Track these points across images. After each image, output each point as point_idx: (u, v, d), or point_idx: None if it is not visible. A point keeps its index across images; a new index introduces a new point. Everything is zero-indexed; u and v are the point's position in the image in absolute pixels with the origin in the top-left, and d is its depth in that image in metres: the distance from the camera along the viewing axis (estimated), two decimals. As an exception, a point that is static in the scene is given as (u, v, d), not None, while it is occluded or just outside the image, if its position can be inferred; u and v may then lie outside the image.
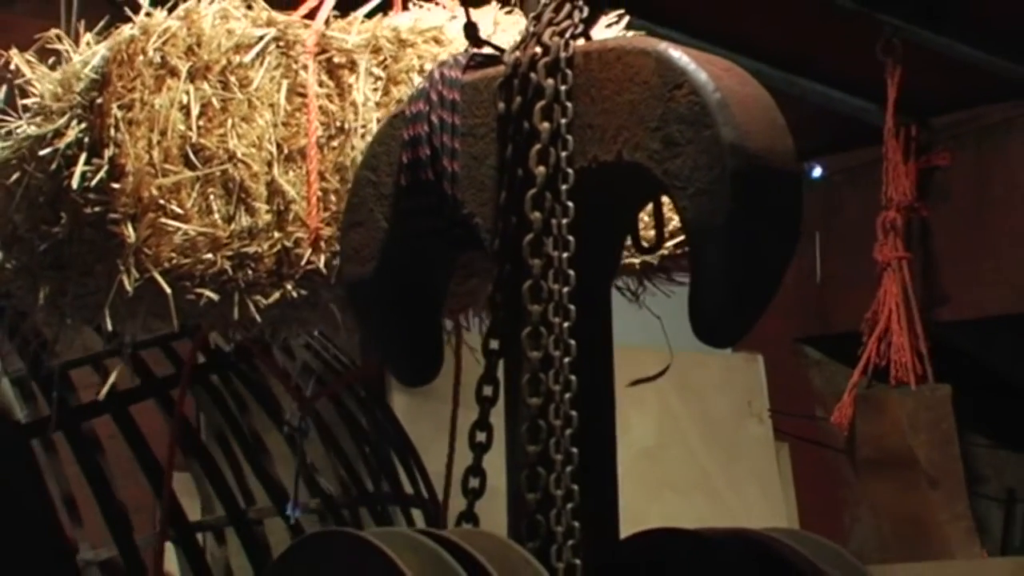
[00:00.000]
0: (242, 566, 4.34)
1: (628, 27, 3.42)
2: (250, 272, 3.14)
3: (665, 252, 3.20)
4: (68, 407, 4.25)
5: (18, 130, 3.28)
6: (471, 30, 2.88)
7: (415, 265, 2.87)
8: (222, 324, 3.30)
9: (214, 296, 3.11)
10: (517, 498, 2.55)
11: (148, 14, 3.17)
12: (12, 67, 3.34)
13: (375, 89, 3.23)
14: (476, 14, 3.30)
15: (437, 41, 3.28)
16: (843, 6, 6.14)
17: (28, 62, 3.31)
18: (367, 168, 2.91)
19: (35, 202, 3.21)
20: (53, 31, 3.34)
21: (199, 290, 3.10)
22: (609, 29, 3.40)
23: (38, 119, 3.23)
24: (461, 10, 3.34)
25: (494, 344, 2.64)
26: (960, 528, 6.62)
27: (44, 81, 3.26)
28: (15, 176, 3.25)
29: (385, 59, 3.25)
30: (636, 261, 3.30)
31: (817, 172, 7.32)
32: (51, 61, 3.32)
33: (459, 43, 3.17)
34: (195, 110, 3.11)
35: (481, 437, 2.60)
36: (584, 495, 2.46)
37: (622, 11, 3.41)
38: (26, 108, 3.29)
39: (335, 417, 4.62)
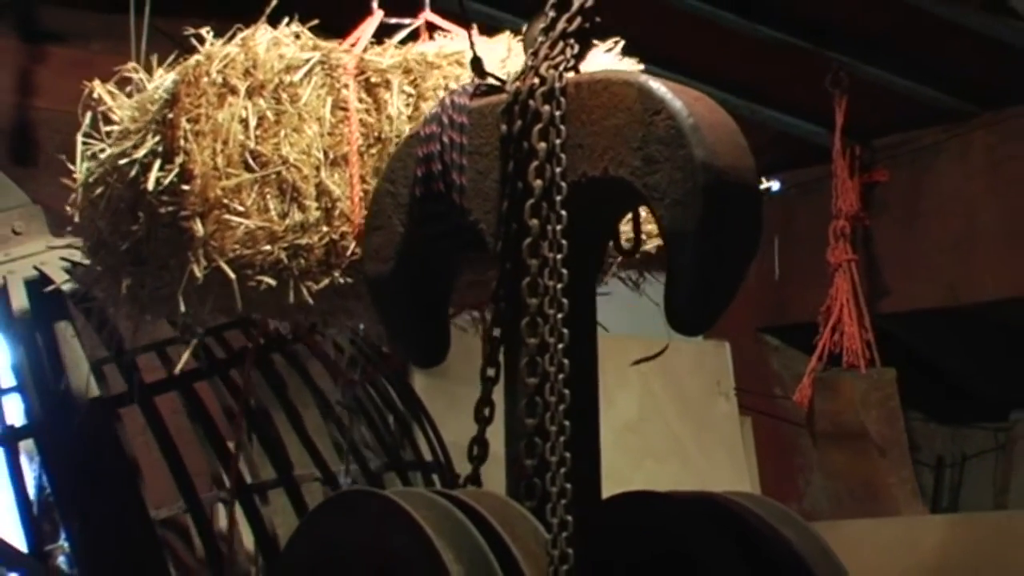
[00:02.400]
0: (283, 523, 4.32)
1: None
2: (303, 261, 3.12)
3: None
4: (142, 385, 4.24)
5: (101, 153, 3.28)
6: (477, 64, 2.87)
7: (427, 264, 2.86)
8: (279, 310, 3.27)
9: (272, 282, 3.09)
10: (515, 464, 2.55)
11: (211, 43, 3.17)
12: (95, 96, 3.33)
13: (407, 104, 3.22)
14: (491, 41, 3.30)
15: (459, 63, 3.26)
16: (797, 44, 6.14)
17: (109, 92, 3.31)
18: (386, 181, 2.90)
19: (117, 208, 3.20)
20: (130, 64, 3.34)
21: (259, 277, 3.09)
22: (608, 53, 3.40)
23: (119, 140, 3.23)
24: (478, 37, 3.33)
25: (496, 332, 2.63)
26: (906, 490, 6.63)
27: (123, 108, 3.26)
28: (99, 190, 3.25)
29: (415, 79, 3.24)
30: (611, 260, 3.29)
31: (776, 186, 7.31)
32: (128, 89, 3.33)
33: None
34: (252, 122, 3.10)
35: (485, 412, 2.59)
36: (573, 462, 2.45)
37: (618, 38, 3.41)
38: (108, 134, 3.28)
39: (365, 395, 4.61)
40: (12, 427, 4.24)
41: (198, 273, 3.03)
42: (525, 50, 2.82)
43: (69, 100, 6.03)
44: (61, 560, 4.53)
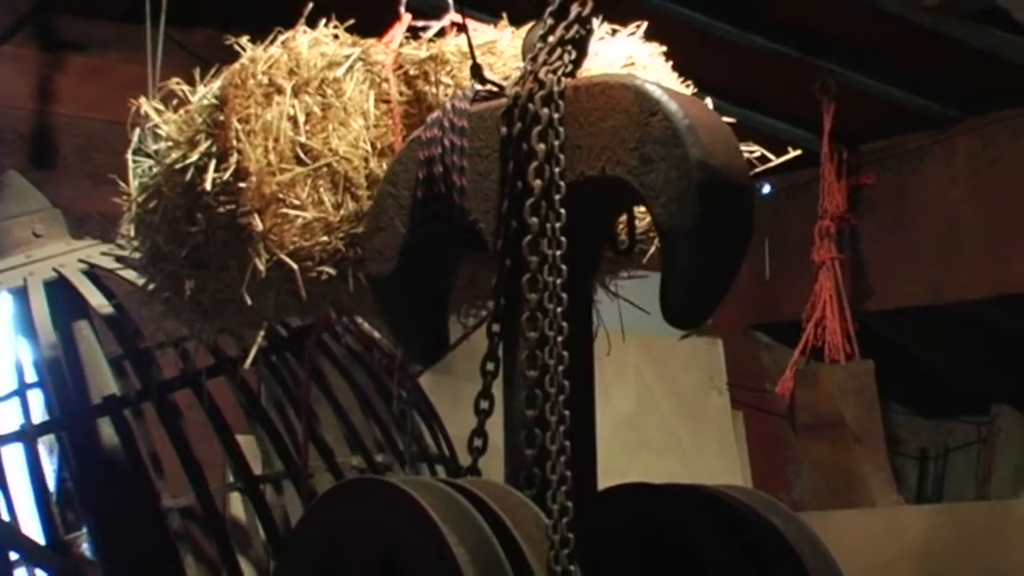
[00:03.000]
0: (295, 512, 4.32)
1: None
2: (359, 250, 3.06)
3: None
4: (157, 382, 4.23)
5: (152, 168, 3.25)
6: (477, 70, 2.86)
7: (428, 264, 2.84)
8: (338, 300, 3.22)
9: (332, 271, 3.05)
10: (515, 453, 2.54)
11: (252, 48, 3.15)
12: (143, 113, 3.30)
13: (446, 94, 3.20)
14: (518, 31, 3.28)
15: (491, 52, 3.23)
16: (787, 54, 6.14)
17: (156, 109, 3.28)
18: (388, 183, 2.88)
19: (173, 217, 3.17)
20: (173, 80, 3.30)
21: (320, 268, 3.05)
22: (632, 36, 3.39)
23: (169, 152, 3.19)
24: (507, 29, 3.32)
25: (496, 328, 2.61)
26: (880, 477, 6.63)
27: (169, 122, 3.24)
28: (153, 203, 3.22)
29: (451, 69, 3.21)
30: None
31: (766, 189, 7.31)
32: (174, 103, 3.30)
33: (509, 53, 3.16)
34: (301, 118, 3.06)
35: (484, 405, 2.57)
36: (572, 451, 2.45)
37: (640, 22, 3.40)
38: (156, 151, 3.25)
39: (374, 390, 4.60)
40: (32, 423, 4.23)
41: (261, 267, 2.99)
42: (524, 56, 2.81)
43: (87, 106, 6.09)
44: (84, 547, 4.52)
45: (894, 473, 6.92)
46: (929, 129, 6.64)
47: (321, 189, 3.07)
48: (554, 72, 2.64)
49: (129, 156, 3.34)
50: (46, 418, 4.35)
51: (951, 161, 6.60)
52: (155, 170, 3.23)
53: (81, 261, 4.33)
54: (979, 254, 6.48)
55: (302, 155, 3.06)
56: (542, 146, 2.57)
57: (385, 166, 3.10)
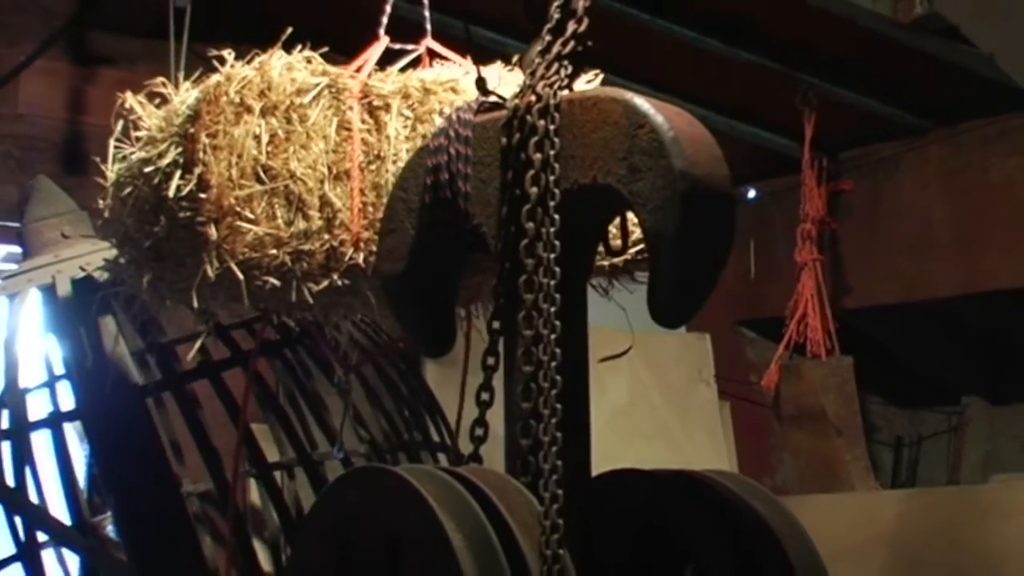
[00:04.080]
0: (307, 497, 4.31)
1: (603, 82, 3.39)
2: (305, 264, 3.12)
3: (628, 256, 3.19)
4: (176, 373, 4.23)
5: (131, 155, 3.28)
6: (481, 84, 2.87)
7: (435, 264, 2.85)
8: (283, 307, 3.28)
9: (276, 282, 3.10)
10: (512, 443, 2.54)
11: (231, 66, 3.17)
12: (127, 106, 3.34)
13: (405, 126, 3.23)
14: (484, 70, 3.29)
15: (454, 90, 3.27)
16: (771, 68, 6.13)
17: (140, 103, 3.31)
18: (399, 189, 2.90)
19: (142, 209, 3.20)
20: (159, 79, 3.35)
21: (265, 278, 3.09)
22: (589, 84, 3.38)
23: (146, 146, 3.22)
24: (472, 67, 3.33)
25: (496, 325, 2.62)
26: (859, 466, 6.62)
27: (151, 117, 3.27)
28: (127, 190, 3.26)
29: (413, 103, 3.24)
30: (606, 263, 3.28)
31: (751, 194, 7.30)
32: (156, 102, 3.33)
33: (471, 93, 3.16)
34: (264, 139, 3.11)
35: (485, 397, 2.58)
36: (565, 441, 2.44)
37: (598, 71, 3.40)
38: (138, 139, 3.29)
39: (379, 382, 4.59)
40: (60, 411, 4.22)
41: (211, 273, 3.04)
42: (523, 70, 2.81)
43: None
44: (109, 529, 4.52)
45: (871, 460, 6.91)
46: (903, 138, 6.63)
47: (275, 206, 3.10)
48: (551, 86, 2.64)
49: (111, 142, 3.36)
50: (73, 407, 4.35)
51: (924, 168, 6.59)
52: (133, 159, 3.26)
53: (106, 260, 4.32)
54: (950, 255, 6.47)
55: (262, 173, 3.10)
56: (538, 155, 2.58)
57: (339, 190, 3.15)
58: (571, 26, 2.72)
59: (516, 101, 2.68)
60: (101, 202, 3.43)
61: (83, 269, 4.28)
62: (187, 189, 3.05)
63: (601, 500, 2.65)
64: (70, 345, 4.23)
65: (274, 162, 3.11)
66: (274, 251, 3.09)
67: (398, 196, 2.90)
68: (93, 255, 4.33)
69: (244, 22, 5.94)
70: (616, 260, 3.20)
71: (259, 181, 3.09)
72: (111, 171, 3.36)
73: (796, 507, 2.85)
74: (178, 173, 3.07)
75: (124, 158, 3.31)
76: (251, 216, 3.07)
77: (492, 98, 2.83)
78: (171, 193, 3.06)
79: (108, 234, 3.47)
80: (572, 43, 2.72)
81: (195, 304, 3.12)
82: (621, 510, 2.72)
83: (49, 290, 4.29)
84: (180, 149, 3.10)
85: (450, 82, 3.29)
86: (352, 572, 2.44)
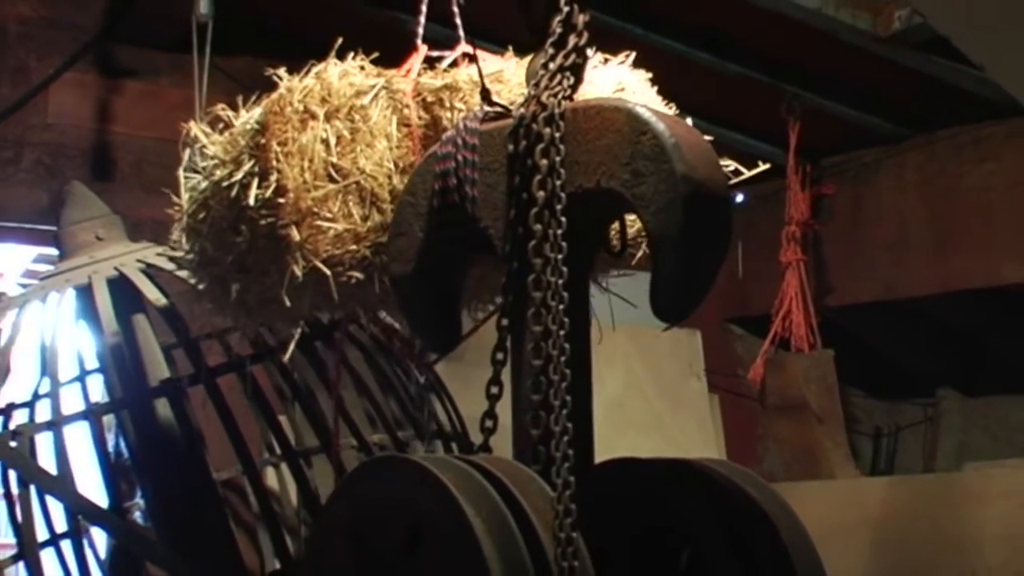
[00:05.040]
0: (325, 482, 4.31)
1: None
2: (384, 256, 3.08)
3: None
4: (205, 368, 4.23)
5: (201, 182, 3.26)
6: (486, 94, 2.86)
7: (443, 265, 2.84)
8: (366, 301, 3.23)
9: (360, 276, 3.07)
10: (522, 433, 2.53)
11: (288, 79, 3.17)
12: (192, 135, 3.32)
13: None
14: (524, 63, 3.28)
15: (499, 80, 3.24)
16: (757, 79, 6.13)
17: (203, 131, 3.30)
18: (408, 194, 2.88)
19: (220, 228, 3.19)
20: (219, 105, 3.32)
21: (350, 273, 3.06)
22: (621, 65, 3.38)
23: (216, 168, 3.20)
24: (513, 60, 3.31)
25: (505, 322, 2.61)
26: (839, 454, 6.62)
27: (215, 143, 3.24)
28: (202, 215, 3.24)
29: (464, 96, 3.21)
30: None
31: (739, 198, 7.30)
32: (220, 127, 3.31)
33: (515, 80, 3.15)
34: (332, 141, 3.09)
35: (494, 390, 2.58)
36: (573, 431, 2.44)
37: (629, 52, 3.39)
38: (204, 168, 3.26)
39: (394, 375, 4.59)
40: (96, 403, 4.23)
41: (298, 272, 3.02)
42: (528, 82, 2.80)
43: (141, 126, 6.09)
44: (137, 515, 4.52)
45: (852, 449, 6.91)
46: (882, 145, 6.62)
47: (350, 203, 3.08)
48: (555, 96, 2.64)
49: (181, 173, 3.34)
50: (107, 399, 4.35)
51: (901, 173, 6.58)
52: (203, 185, 3.24)
53: (139, 261, 4.33)
54: (926, 255, 6.47)
55: (333, 173, 3.08)
56: (545, 161, 2.57)
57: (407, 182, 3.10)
58: (572, 39, 2.72)
59: (522, 110, 2.67)
60: (175, 235, 3.38)
61: (117, 269, 4.29)
62: (267, 195, 3.03)
63: (601, 488, 2.64)
64: (105, 341, 4.24)
65: (343, 162, 3.09)
66: (354, 246, 3.07)
67: (407, 201, 2.88)
68: (126, 256, 4.34)
69: (260, 37, 5.96)
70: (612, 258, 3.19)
71: (332, 181, 3.08)
72: (184, 201, 3.31)
73: (783, 493, 2.85)
74: (255, 183, 3.05)
75: (193, 187, 3.27)
76: (329, 215, 3.05)
77: (497, 107, 2.83)
78: (251, 202, 3.04)
79: (186, 261, 3.40)
80: (574, 55, 2.71)
81: (287, 305, 3.07)
82: (620, 497, 2.71)
83: (85, 289, 4.30)
84: (254, 161, 3.09)
85: (495, 73, 3.26)
86: (371, 557, 2.43)
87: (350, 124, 3.12)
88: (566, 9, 2.71)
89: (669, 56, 5.84)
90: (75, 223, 4.55)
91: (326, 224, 3.04)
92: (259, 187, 3.05)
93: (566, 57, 2.71)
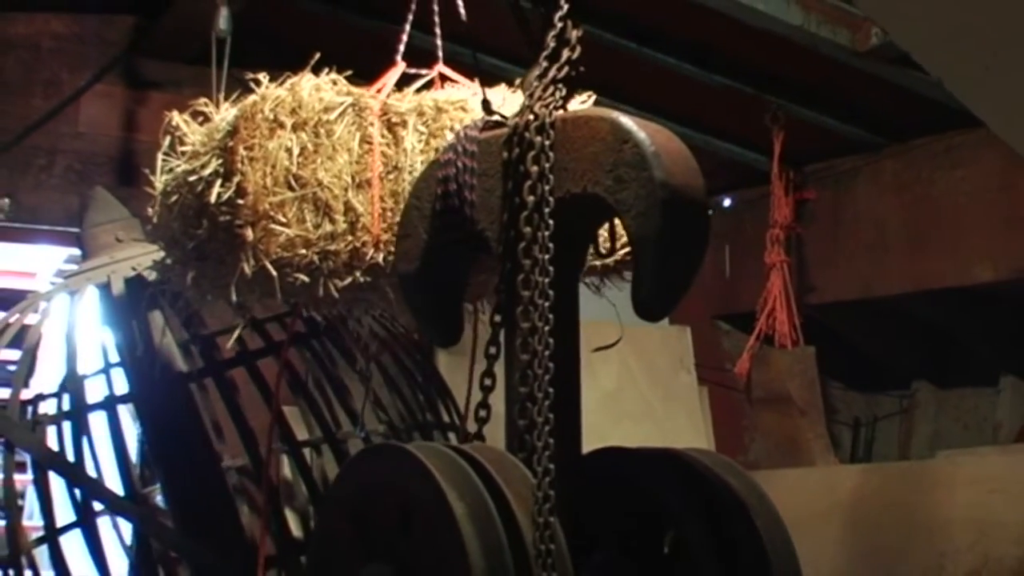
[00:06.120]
0: (333, 471, 4.29)
1: (595, 103, 3.37)
2: (331, 263, 3.12)
3: (617, 258, 3.18)
4: (217, 361, 4.21)
5: (177, 168, 3.27)
6: (486, 104, 2.86)
7: (445, 264, 2.83)
8: (312, 301, 3.27)
9: (306, 279, 3.09)
10: (511, 423, 2.53)
11: (266, 87, 3.18)
12: (174, 124, 3.33)
13: (420, 140, 3.22)
14: (491, 91, 3.28)
15: (463, 109, 3.27)
16: (743, 90, 6.12)
17: (185, 121, 3.31)
18: (413, 197, 2.89)
19: (186, 215, 3.21)
20: (202, 99, 3.37)
21: (296, 275, 3.09)
22: (583, 104, 3.37)
23: (191, 159, 3.22)
24: (480, 89, 3.32)
25: (498, 318, 2.61)
26: (820, 444, 6.61)
27: (195, 133, 3.26)
28: (174, 198, 3.27)
29: (427, 120, 3.24)
30: (598, 263, 3.27)
31: (727, 202, 7.28)
32: (200, 120, 3.33)
33: (478, 112, 3.15)
34: (296, 151, 3.11)
35: (487, 382, 2.57)
36: (557, 422, 2.43)
37: (591, 93, 3.39)
38: (183, 153, 3.29)
39: (396, 369, 4.57)
40: (115, 395, 4.22)
41: (247, 270, 3.05)
42: (523, 92, 2.80)
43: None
44: (158, 499, 4.51)
45: (832, 438, 6.91)
46: (861, 153, 6.61)
47: (305, 211, 3.11)
48: (547, 106, 2.63)
49: (159, 156, 3.36)
50: (126, 391, 4.34)
51: (879, 180, 6.57)
52: (178, 170, 3.24)
53: (156, 261, 4.31)
54: (901, 256, 6.45)
55: (292, 182, 3.10)
56: (535, 168, 2.57)
57: (361, 196, 3.14)
58: (565, 53, 2.71)
59: (516, 120, 2.67)
60: (150, 210, 3.42)
61: (135, 269, 4.27)
62: (227, 195, 3.05)
63: (590, 475, 2.64)
64: (123, 336, 4.22)
65: (304, 172, 3.10)
66: (303, 251, 3.08)
67: (412, 204, 2.88)
68: (144, 257, 4.32)
69: (276, 50, 5.94)
70: (607, 261, 3.19)
71: (290, 188, 3.09)
72: (159, 181, 3.34)
73: (766, 480, 2.84)
74: (219, 182, 3.08)
75: (171, 170, 3.30)
76: (283, 220, 3.07)
77: (495, 117, 2.82)
78: (212, 199, 3.06)
79: (157, 238, 3.46)
80: (566, 68, 2.70)
81: (233, 298, 3.11)
82: (608, 484, 2.70)
83: (105, 288, 4.29)
84: (220, 160, 3.11)
85: (460, 102, 3.29)
86: (369, 537, 2.44)
87: (315, 137, 3.14)
88: (560, 25, 2.69)
89: (660, 69, 5.83)
90: (97, 225, 4.54)
91: (279, 228, 3.07)
92: (222, 186, 3.07)
93: (559, 70, 2.70)
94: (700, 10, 5.32)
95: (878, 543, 5.68)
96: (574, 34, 2.70)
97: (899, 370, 7.39)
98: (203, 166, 3.12)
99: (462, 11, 3.51)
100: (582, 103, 3.35)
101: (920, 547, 5.49)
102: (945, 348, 7.03)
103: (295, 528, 4.15)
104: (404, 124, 3.22)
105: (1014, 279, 5.94)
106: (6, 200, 5.87)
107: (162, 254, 3.48)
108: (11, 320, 4.34)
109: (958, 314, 6.66)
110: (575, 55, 2.70)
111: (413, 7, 3.45)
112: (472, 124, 2.83)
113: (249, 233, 3.03)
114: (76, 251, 5.91)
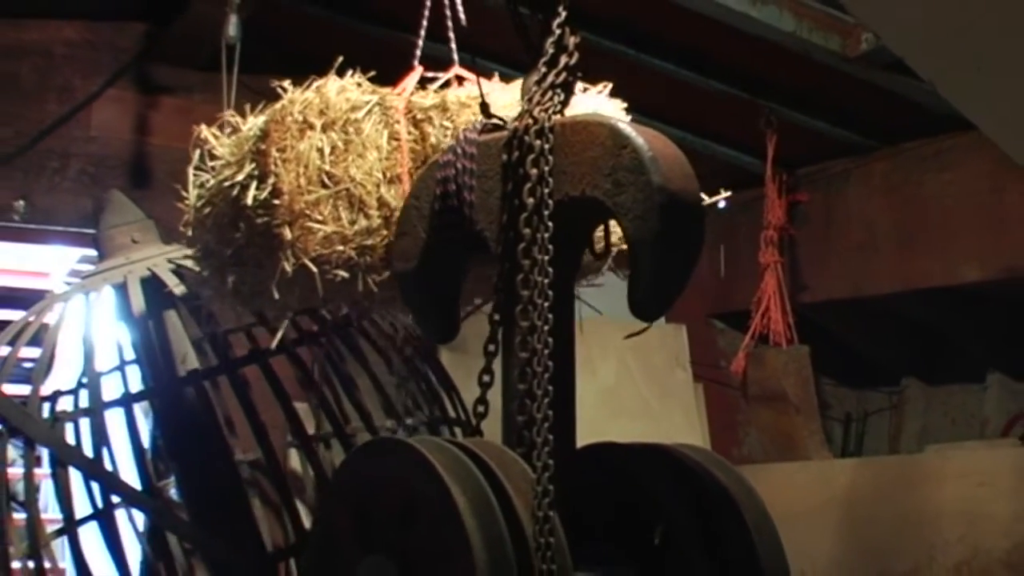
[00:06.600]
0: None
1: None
2: (368, 258, 3.10)
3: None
4: (230, 359, 4.22)
5: (208, 181, 3.27)
6: (485, 108, 2.86)
7: (442, 263, 2.84)
8: (351, 298, 3.23)
9: (345, 275, 3.07)
10: (509, 419, 2.53)
11: (292, 92, 3.18)
12: (202, 137, 3.33)
13: (444, 135, 3.20)
14: (508, 87, 3.28)
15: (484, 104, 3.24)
16: (738, 95, 6.12)
17: (213, 134, 3.31)
18: (411, 198, 2.88)
19: (221, 223, 3.20)
20: (228, 112, 3.35)
21: (335, 271, 3.07)
22: (599, 95, 3.38)
23: (222, 169, 3.21)
24: (497, 84, 3.31)
25: (496, 317, 2.61)
26: (815, 440, 6.61)
27: (223, 145, 3.25)
28: (207, 210, 3.25)
29: (451, 115, 3.22)
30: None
31: (722, 205, 7.25)
32: (227, 131, 3.33)
33: (499, 105, 3.15)
34: (327, 151, 3.09)
35: (486, 379, 2.57)
36: (554, 418, 2.44)
37: (606, 83, 3.39)
38: (212, 167, 3.28)
39: (402, 368, 4.58)
40: (131, 392, 4.23)
41: (288, 269, 3.02)
42: (521, 97, 2.80)
43: (175, 138, 6.08)
44: (172, 492, 4.52)
45: (824, 434, 6.91)
46: (851, 156, 6.61)
47: (340, 208, 3.08)
48: (546, 111, 2.63)
49: (190, 170, 3.35)
50: (142, 388, 4.35)
51: (869, 182, 6.57)
52: (210, 183, 3.24)
53: (170, 262, 4.33)
54: (891, 257, 6.46)
55: (326, 180, 3.08)
56: (535, 171, 2.57)
57: (393, 191, 3.12)
58: (563, 59, 2.71)
59: (516, 124, 2.67)
60: (183, 224, 3.40)
61: (150, 270, 4.28)
62: (263, 196, 3.03)
63: (584, 469, 2.64)
64: (139, 335, 4.24)
65: (336, 170, 3.09)
66: (341, 247, 3.06)
67: (411, 204, 2.88)
68: (159, 257, 4.34)
69: (284, 55, 5.96)
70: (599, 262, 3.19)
71: (324, 187, 3.07)
72: (192, 196, 3.32)
73: (761, 475, 2.86)
74: (254, 184, 3.07)
75: (202, 184, 3.28)
76: (319, 217, 3.05)
77: (494, 120, 2.83)
78: (249, 202, 3.05)
79: (193, 250, 3.42)
80: (564, 74, 2.71)
81: (275, 297, 3.08)
82: (601, 478, 2.71)
83: (121, 288, 4.30)
84: (254, 164, 3.10)
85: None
86: (370, 530, 2.44)
87: (344, 136, 3.12)
88: (558, 31, 2.70)
89: (658, 75, 5.83)
90: (113, 227, 4.55)
91: (316, 226, 3.05)
92: (257, 188, 3.06)
93: (557, 75, 2.70)
94: (696, 17, 5.32)
95: (871, 535, 5.70)
96: (572, 40, 2.71)
97: (889, 367, 7.40)
98: (236, 172, 3.11)
99: (462, 16, 3.52)
100: (599, 93, 3.37)
101: (912, 539, 5.51)
102: (934, 346, 7.04)
103: (305, 520, 4.17)
104: (429, 120, 3.20)
105: (1001, 279, 5.95)
106: (21, 202, 5.87)
107: (178, 254, 3.47)
108: (31, 319, 4.36)
109: (946, 313, 6.66)
110: (573, 61, 2.71)
111: (427, 14, 3.46)
112: (471, 127, 2.83)
113: (287, 232, 3.02)
114: (88, 251, 5.93)
